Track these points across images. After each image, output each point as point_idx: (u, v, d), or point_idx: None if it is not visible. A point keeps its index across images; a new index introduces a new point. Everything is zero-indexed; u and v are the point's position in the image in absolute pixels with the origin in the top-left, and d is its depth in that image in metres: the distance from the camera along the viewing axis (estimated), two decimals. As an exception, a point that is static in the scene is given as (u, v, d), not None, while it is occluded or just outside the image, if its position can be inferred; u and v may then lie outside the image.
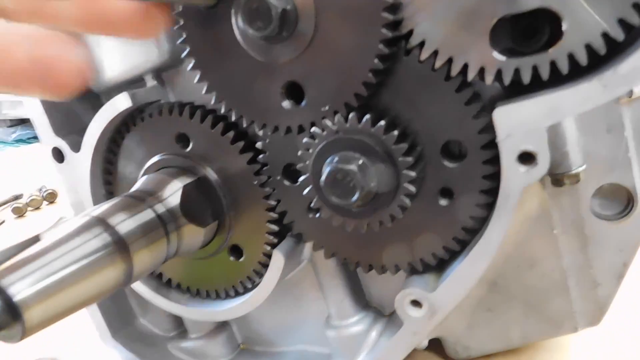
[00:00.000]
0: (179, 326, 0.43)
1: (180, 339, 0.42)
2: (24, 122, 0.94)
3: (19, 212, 0.61)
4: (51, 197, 0.64)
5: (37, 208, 0.63)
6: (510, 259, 0.40)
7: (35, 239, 0.23)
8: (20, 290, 0.21)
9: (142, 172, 0.32)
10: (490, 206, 0.29)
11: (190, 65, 0.28)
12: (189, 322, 0.42)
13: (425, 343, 0.43)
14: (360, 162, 0.25)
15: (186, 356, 0.42)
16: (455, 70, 0.25)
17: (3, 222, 0.59)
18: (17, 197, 0.65)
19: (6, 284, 0.21)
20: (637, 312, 0.47)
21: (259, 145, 0.31)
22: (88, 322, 0.41)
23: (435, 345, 0.44)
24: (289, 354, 0.41)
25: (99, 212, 0.26)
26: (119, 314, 0.42)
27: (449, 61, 0.25)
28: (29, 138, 0.92)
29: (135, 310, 0.43)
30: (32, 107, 0.37)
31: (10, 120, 0.94)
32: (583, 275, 0.40)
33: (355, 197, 0.25)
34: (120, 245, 0.26)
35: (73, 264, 0.24)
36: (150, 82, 0.34)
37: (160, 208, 0.29)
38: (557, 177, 0.34)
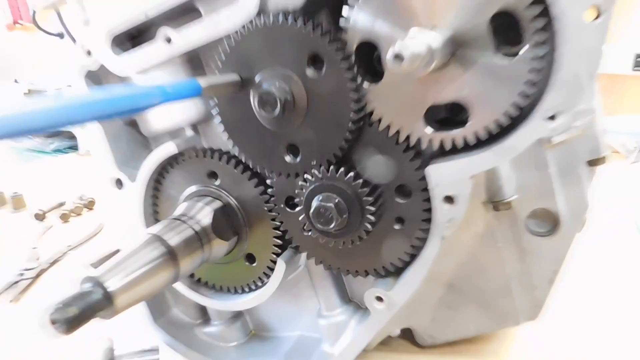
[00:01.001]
0: (204, 315, 0.50)
1: (204, 325, 0.49)
2: (60, 133, 1.01)
3: (65, 218, 0.69)
4: (90, 205, 0.72)
5: (79, 214, 0.71)
6: (463, 266, 0.46)
7: (117, 251, 0.33)
8: (112, 284, 0.30)
9: (181, 199, 0.41)
10: (429, 230, 0.36)
11: (222, 129, 0.37)
12: (211, 311, 0.49)
13: (397, 331, 0.49)
14: (337, 200, 0.34)
15: (209, 339, 0.49)
16: (402, 138, 0.33)
17: (51, 226, 0.69)
18: (61, 204, 0.72)
19: (104, 280, 0.30)
20: (568, 309, 0.53)
21: (268, 182, 0.39)
22: (135, 311, 0.48)
23: (408, 333, 0.50)
24: (289, 338, 0.48)
25: (157, 231, 0.35)
26: (158, 305, 0.49)
27: (398, 132, 0.33)
28: (65, 148, 0.99)
29: (170, 302, 0.50)
30: (97, 145, 0.44)
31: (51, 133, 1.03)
32: (522, 280, 0.46)
33: (332, 225, 0.34)
34: (172, 255, 0.35)
35: (142, 267, 0.33)
36: (189, 131, 0.43)
37: (197, 227, 0.37)
38: (495, 204, 0.41)
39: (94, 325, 0.37)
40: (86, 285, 0.30)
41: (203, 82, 0.30)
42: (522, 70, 0.28)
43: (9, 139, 0.25)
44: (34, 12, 1.20)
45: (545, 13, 0.28)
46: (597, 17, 0.36)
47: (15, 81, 1.76)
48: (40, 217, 0.70)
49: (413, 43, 0.24)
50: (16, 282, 0.57)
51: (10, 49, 1.70)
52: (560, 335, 0.53)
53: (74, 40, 1.03)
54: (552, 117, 0.29)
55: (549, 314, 0.48)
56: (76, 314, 0.28)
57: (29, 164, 0.95)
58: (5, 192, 0.75)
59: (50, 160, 0.98)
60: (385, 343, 0.50)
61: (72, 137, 1.02)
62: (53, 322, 0.27)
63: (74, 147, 1.01)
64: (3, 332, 0.52)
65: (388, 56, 0.24)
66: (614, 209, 0.73)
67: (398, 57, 0.23)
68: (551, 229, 0.45)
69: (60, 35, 1.29)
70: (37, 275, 0.58)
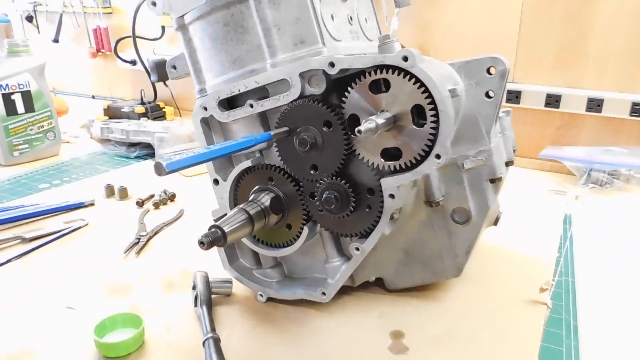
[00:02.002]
0: (258, 262, 0.66)
1: (258, 268, 0.66)
2: (139, 144, 1.24)
3: (157, 206, 0.91)
4: (172, 197, 0.94)
5: (165, 204, 0.94)
6: (413, 239, 0.63)
7: (225, 214, 0.63)
8: (227, 229, 0.52)
9: (251, 192, 0.60)
10: (382, 212, 0.55)
11: (278, 155, 0.62)
12: (263, 259, 0.65)
13: (372, 278, 0.65)
14: (335, 194, 0.54)
15: (261, 276, 0.65)
16: (370, 164, 0.54)
17: (149, 210, 0.94)
18: (151, 196, 0.96)
19: (223, 226, 0.57)
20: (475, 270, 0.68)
21: (301, 184, 0.57)
22: (217, 258, 0.66)
23: (379, 281, 0.65)
24: (309, 279, 0.64)
25: (242, 206, 0.64)
26: (230, 254, 0.66)
27: (368, 160, 0.53)
28: (144, 155, 1.20)
29: (238, 254, 0.67)
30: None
31: (133, 144, 1.23)
32: (449, 251, 0.63)
33: (333, 207, 0.54)
34: (250, 219, 0.54)
35: (238, 223, 0.53)
36: (257, 154, 0.60)
37: (262, 206, 0.56)
38: (430, 203, 0.60)
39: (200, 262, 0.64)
40: (213, 228, 0.56)
41: (272, 133, 0.60)
42: (424, 136, 0.49)
43: (182, 169, 0.44)
44: (117, 42, 1.53)
45: (435, 108, 0.49)
46: (490, 98, 0.64)
47: (93, 97, 2.09)
48: (140, 204, 0.93)
49: (368, 123, 0.53)
50: (136, 243, 0.83)
51: (91, 72, 2.04)
52: (474, 286, 0.73)
53: (144, 66, 1.34)
54: (437, 156, 0.50)
55: (466, 274, 0.65)
56: (211, 240, 0.56)
57: (119, 167, 1.15)
58: (115, 186, 0.99)
59: (135, 164, 1.18)
60: (366, 287, 0.66)
61: (149, 146, 1.24)
62: (200, 242, 0.56)
63: (151, 155, 1.21)
64: (132, 279, 0.72)
65: (357, 130, 0.52)
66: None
67: (359, 131, 0.52)
68: (466, 220, 0.61)
69: (133, 63, 1.64)
70: (147, 240, 0.84)
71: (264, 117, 0.60)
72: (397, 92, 0.50)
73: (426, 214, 0.63)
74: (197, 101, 0.66)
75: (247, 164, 0.61)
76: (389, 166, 0.53)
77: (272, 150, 0.60)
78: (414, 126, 0.50)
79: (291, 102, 0.55)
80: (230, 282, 0.66)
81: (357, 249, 0.58)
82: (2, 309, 0.62)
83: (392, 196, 0.53)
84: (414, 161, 0.52)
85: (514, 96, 1.24)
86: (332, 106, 0.53)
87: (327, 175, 0.55)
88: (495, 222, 0.76)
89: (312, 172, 0.56)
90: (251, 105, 0.57)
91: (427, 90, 0.48)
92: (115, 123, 1.36)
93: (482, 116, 0.59)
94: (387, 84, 0.50)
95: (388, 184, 0.53)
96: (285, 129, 0.56)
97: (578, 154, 1.17)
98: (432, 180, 0.61)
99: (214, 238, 0.52)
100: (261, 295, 0.66)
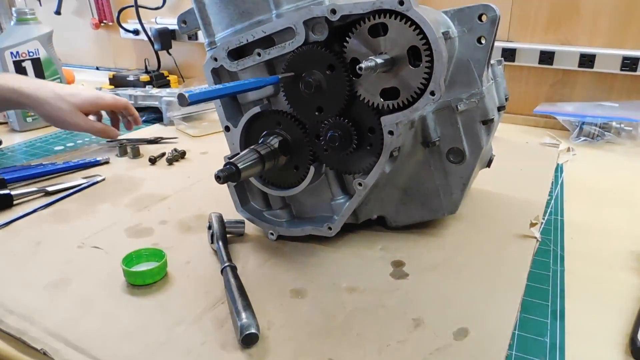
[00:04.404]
0: (268, 204, 0.69)
1: (268, 210, 0.70)
2: (147, 109, 1.26)
3: (170, 162, 0.96)
4: (183, 155, 0.99)
5: (177, 161, 0.98)
6: (411, 178, 0.66)
7: (238, 153, 0.68)
8: (240, 165, 0.56)
9: (261, 136, 0.64)
10: (382, 149, 0.58)
11: (285, 100, 0.66)
12: (272, 200, 0.69)
13: (375, 216, 0.68)
14: (339, 132, 0.57)
15: (272, 217, 0.69)
16: (370, 103, 0.65)
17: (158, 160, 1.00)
18: (163, 154, 0.99)
19: (237, 163, 0.63)
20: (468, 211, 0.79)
21: (307, 126, 0.61)
22: (230, 201, 0.70)
23: (381, 220, 0.69)
24: (316, 217, 0.68)
25: (254, 147, 0.70)
26: (242, 197, 0.70)
27: (369, 101, 0.62)
28: (152, 119, 1.23)
29: (249, 196, 0.71)
30: (218, 109, 0.66)
31: (141, 108, 1.24)
32: (445, 189, 0.66)
33: (337, 144, 0.57)
34: (261, 158, 0.57)
35: (251, 161, 0.56)
36: (265, 101, 0.63)
37: (272, 147, 0.59)
38: (427, 143, 0.64)
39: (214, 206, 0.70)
40: (228, 165, 0.62)
41: (280, 76, 0.65)
42: (420, 75, 0.53)
43: (203, 101, 0.49)
44: (119, 12, 1.57)
45: (430, 49, 0.51)
46: (481, 44, 0.69)
47: (97, 68, 2.13)
48: (153, 161, 0.98)
49: (367, 62, 0.57)
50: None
51: (94, 43, 2.07)
52: (466, 224, 0.79)
53: (147, 35, 1.39)
54: (432, 93, 0.53)
55: (461, 213, 0.72)
56: (226, 175, 0.61)
57: (128, 132, 1.18)
58: (127, 145, 1.04)
59: (143, 129, 1.22)
60: (368, 225, 0.70)
61: (157, 111, 1.27)
62: (216, 177, 0.62)
63: (159, 119, 1.25)
64: (151, 223, 0.78)
65: (357, 67, 0.57)
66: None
67: (360, 68, 0.57)
68: (461, 159, 0.65)
69: (136, 32, 1.68)
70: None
71: (270, 66, 0.63)
72: (395, 35, 0.54)
73: (423, 155, 0.67)
74: (207, 53, 0.71)
75: (256, 109, 0.64)
76: (387, 105, 0.56)
77: (279, 97, 0.63)
78: (410, 66, 0.54)
79: (296, 48, 0.58)
80: (243, 223, 0.71)
81: (360, 184, 0.62)
82: (35, 248, 0.67)
83: (391, 133, 0.58)
84: (410, 99, 0.55)
85: (509, 54, 1.28)
86: (334, 51, 0.56)
87: (331, 116, 0.59)
88: (489, 164, 0.81)
89: (317, 113, 0.60)
90: (259, 54, 0.61)
91: (422, 32, 0.52)
92: (122, 90, 1.38)
93: (474, 61, 0.62)
94: (385, 28, 0.55)
95: (387, 121, 0.57)
96: (292, 73, 0.59)
97: (570, 108, 1.21)
98: (428, 122, 0.64)
99: (229, 173, 0.57)
100: (272, 233, 0.69)
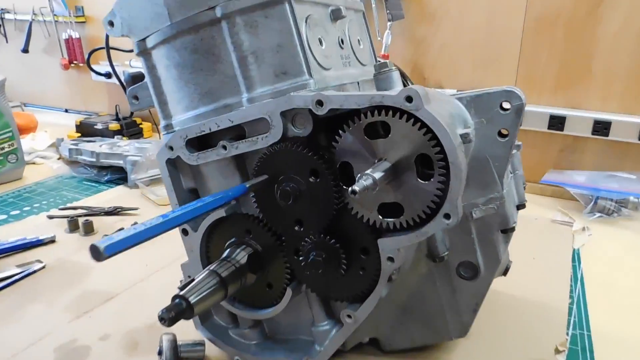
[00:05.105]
0: (235, 321, 0.60)
1: (235, 328, 0.60)
2: (111, 167, 1.15)
3: None
4: None
5: None
6: (412, 295, 0.57)
7: (192, 280, 0.53)
8: (192, 299, 0.44)
9: (226, 246, 0.52)
10: (379, 275, 0.48)
11: (255, 205, 0.52)
12: (240, 319, 0.59)
13: (366, 339, 0.60)
14: (323, 256, 0.47)
15: (238, 337, 0.59)
16: (365, 220, 0.46)
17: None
18: (121, 229, 0.92)
19: (188, 297, 0.46)
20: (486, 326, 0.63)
21: (283, 239, 0.51)
22: None
23: (375, 342, 0.61)
24: (293, 340, 0.58)
25: (213, 267, 0.53)
26: (204, 313, 0.60)
27: (363, 216, 0.46)
28: (116, 179, 1.12)
29: (212, 311, 0.61)
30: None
31: (104, 167, 1.15)
32: (453, 309, 0.57)
33: (320, 270, 0.47)
34: (223, 283, 0.47)
35: (207, 290, 0.45)
36: (233, 201, 0.53)
37: (237, 265, 0.49)
38: (433, 257, 0.54)
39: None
40: (177, 300, 0.49)
41: (248, 184, 0.50)
42: (431, 191, 0.42)
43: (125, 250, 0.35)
44: (89, 54, 1.42)
45: (445, 159, 0.41)
46: (504, 137, 0.55)
47: (66, 110, 1.98)
48: None
49: (363, 180, 0.43)
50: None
51: (64, 84, 1.93)
52: (485, 345, 0.64)
53: (119, 79, 1.23)
54: (447, 216, 0.42)
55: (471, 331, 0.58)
56: (173, 315, 0.47)
57: (87, 194, 1.06)
58: (79, 220, 0.90)
59: (105, 192, 1.09)
60: (359, 348, 0.60)
61: (122, 170, 1.15)
62: (160, 319, 0.47)
63: (124, 179, 1.12)
64: (89, 338, 0.68)
65: (350, 191, 0.40)
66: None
67: (353, 192, 0.42)
68: (474, 275, 0.55)
69: (108, 76, 1.52)
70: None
71: (240, 160, 0.53)
72: (399, 139, 0.42)
73: (427, 268, 0.56)
74: (162, 138, 0.56)
75: (220, 213, 0.53)
76: (387, 224, 0.46)
77: (249, 197, 0.52)
78: (419, 180, 0.43)
79: (271, 145, 0.48)
80: (203, 345, 0.60)
81: (350, 316, 0.51)
82: None
83: (391, 259, 0.46)
84: (417, 220, 0.44)
85: (514, 117, 1.15)
86: (320, 150, 0.46)
87: (314, 233, 0.48)
88: (505, 273, 0.68)
89: (296, 228, 0.49)
90: (224, 147, 0.50)
91: (434, 137, 0.39)
92: (85, 143, 1.25)
93: (494, 158, 0.51)
94: (386, 128, 0.41)
95: (386, 245, 0.47)
96: (265, 177, 0.48)
97: (582, 179, 1.10)
98: (435, 233, 0.52)
99: (178, 312, 0.44)
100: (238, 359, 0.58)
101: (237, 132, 0.50)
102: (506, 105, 0.50)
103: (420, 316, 0.58)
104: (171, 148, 0.53)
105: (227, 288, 0.49)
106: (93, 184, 1.19)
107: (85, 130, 1.47)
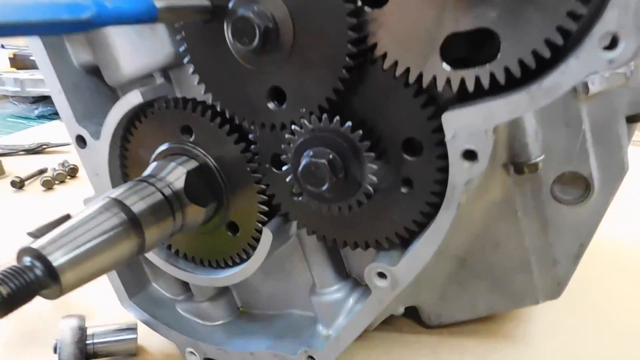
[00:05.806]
0: (186, 290, 0.47)
1: (187, 302, 0.46)
2: (45, 98, 0.96)
3: (48, 185, 0.66)
4: (73, 172, 0.69)
5: (63, 182, 0.68)
6: (477, 239, 0.42)
7: (67, 217, 0.28)
8: (57, 258, 0.26)
9: (152, 158, 0.36)
10: (443, 194, 0.31)
11: (191, 70, 0.32)
12: (194, 287, 0.46)
13: (401, 310, 0.46)
14: (331, 156, 0.29)
15: (192, 317, 0.45)
16: (412, 78, 0.27)
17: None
18: (42, 172, 0.69)
19: (46, 253, 0.25)
20: (593, 286, 0.50)
21: (251, 137, 0.35)
22: (109, 286, 0.45)
23: (412, 312, 0.47)
24: (281, 317, 0.45)
25: (117, 195, 0.30)
26: (134, 279, 0.46)
27: (407, 70, 0.28)
28: (50, 114, 0.94)
29: (149, 276, 0.47)
30: (57, 98, 0.40)
31: (33, 97, 0.98)
32: (543, 254, 0.43)
33: (325, 186, 0.29)
34: (134, 223, 0.30)
35: (97, 237, 0.28)
36: (159, 79, 0.37)
37: (167, 190, 0.33)
38: (519, 165, 0.37)
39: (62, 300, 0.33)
40: (25, 259, 0.25)
41: (160, 2, 0.24)
42: None
43: None
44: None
45: None
46: None
47: (2, 46, 1.73)
48: (18, 184, 0.67)
49: None
50: None
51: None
52: (586, 316, 0.49)
53: None
54: (611, 44, 0.22)
55: (572, 292, 0.43)
56: (10, 293, 0.23)
57: (11, 132, 0.89)
58: None
59: (35, 127, 0.93)
60: (388, 322, 0.47)
61: None
62: None
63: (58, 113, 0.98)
64: None
65: None
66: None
67: None
68: (581, 195, 0.41)
69: None
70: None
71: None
72: None
73: (503, 190, 0.40)
74: None
75: (136, 98, 0.36)
76: (462, 81, 0.26)
77: (186, 68, 0.36)
78: None
79: None
80: (134, 331, 0.45)
81: (383, 275, 0.33)
82: None
83: (470, 155, 0.27)
84: (531, 62, 0.25)
85: None
86: None
87: (308, 113, 0.30)
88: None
89: (271, 105, 0.31)
90: None
91: None
92: (9, 73, 1.01)
93: None
94: None
95: (462, 124, 0.27)
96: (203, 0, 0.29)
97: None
98: (524, 122, 0.36)
99: (19, 287, 0.24)
100: (192, 353, 0.44)
101: None
102: None
103: (488, 270, 0.44)
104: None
105: (144, 232, 0.31)
106: (21, 120, 0.98)
107: (21, 63, 1.25)
